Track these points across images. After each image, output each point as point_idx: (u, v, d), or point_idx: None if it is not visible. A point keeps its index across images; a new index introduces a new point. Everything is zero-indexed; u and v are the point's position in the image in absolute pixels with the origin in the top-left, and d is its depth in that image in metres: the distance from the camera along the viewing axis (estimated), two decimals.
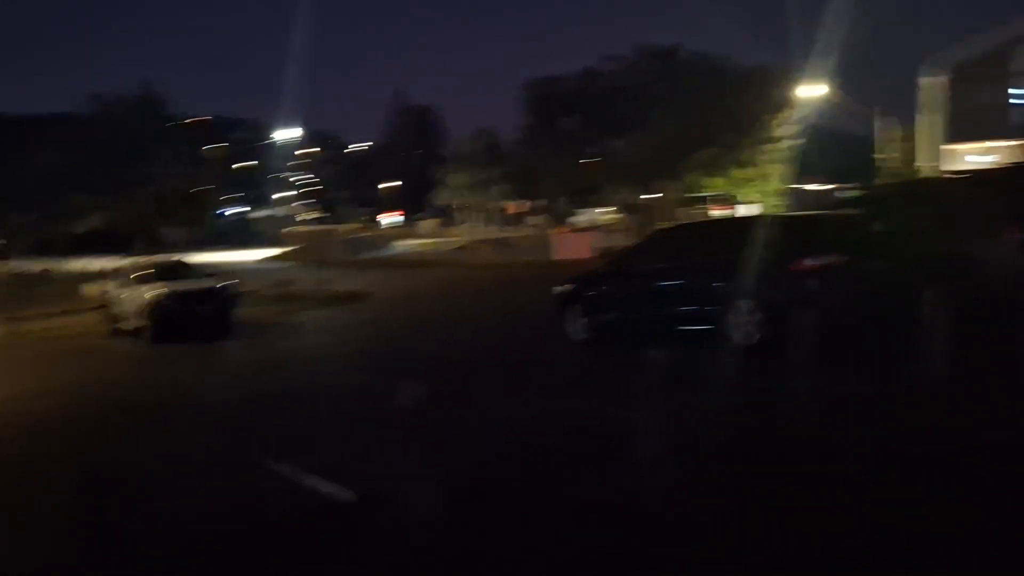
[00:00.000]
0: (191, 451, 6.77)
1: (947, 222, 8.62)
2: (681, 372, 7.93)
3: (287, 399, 8.81)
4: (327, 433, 7.14)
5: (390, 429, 6.62)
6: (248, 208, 77.45)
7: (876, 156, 37.14)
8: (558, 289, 11.11)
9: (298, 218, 63.94)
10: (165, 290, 15.05)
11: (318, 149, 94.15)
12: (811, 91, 35.71)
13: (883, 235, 8.87)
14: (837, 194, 25.42)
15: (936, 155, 36.30)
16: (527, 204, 62.65)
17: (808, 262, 7.97)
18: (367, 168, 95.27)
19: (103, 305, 17.31)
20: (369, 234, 50.74)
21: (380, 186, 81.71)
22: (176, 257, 18.95)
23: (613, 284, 10.17)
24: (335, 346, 13.14)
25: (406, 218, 69.63)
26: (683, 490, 4.60)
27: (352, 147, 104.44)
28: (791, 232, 8.60)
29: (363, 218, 75.39)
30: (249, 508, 5.16)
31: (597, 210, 55.55)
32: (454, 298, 20.03)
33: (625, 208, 50.50)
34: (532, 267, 27.59)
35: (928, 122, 37.63)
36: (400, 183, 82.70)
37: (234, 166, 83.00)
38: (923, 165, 34.84)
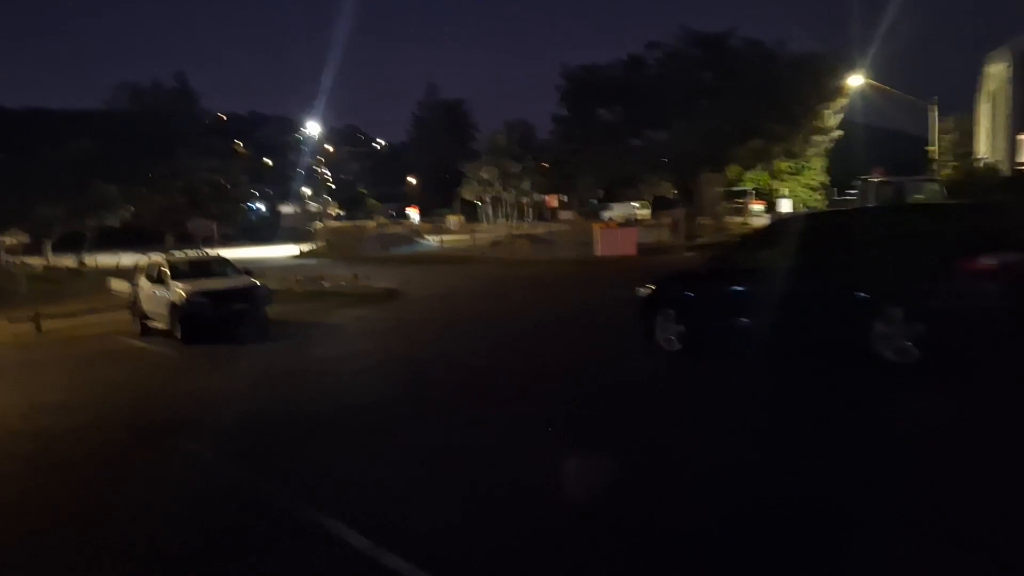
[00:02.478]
0: (229, 505, 5.29)
1: None
2: (836, 400, 6.45)
3: (342, 426, 7.36)
4: (402, 480, 5.57)
5: (486, 480, 5.23)
6: (278, 203, 77.00)
7: (928, 148, 35.10)
8: (643, 290, 9.61)
9: (329, 213, 63.07)
10: (197, 288, 14.17)
11: (347, 144, 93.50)
12: (861, 81, 33.81)
13: None
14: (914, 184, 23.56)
15: (994, 145, 34.14)
16: (563, 198, 61.26)
17: (985, 260, 6.40)
18: (397, 163, 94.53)
19: (132, 302, 16.46)
20: (400, 229, 49.60)
21: (411, 180, 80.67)
22: (214, 252, 17.91)
23: (717, 285, 8.60)
24: (383, 352, 11.79)
25: (428, 214, 68.58)
26: None
27: (382, 142, 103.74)
28: (954, 223, 7.05)
29: (392, 213, 74.51)
30: None
31: (635, 204, 53.95)
32: (501, 298, 18.58)
33: (659, 201, 48.83)
34: (576, 264, 26.14)
35: (992, 111, 35.45)
36: (429, 178, 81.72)
37: (265, 161, 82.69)
38: (991, 157, 32.80)
